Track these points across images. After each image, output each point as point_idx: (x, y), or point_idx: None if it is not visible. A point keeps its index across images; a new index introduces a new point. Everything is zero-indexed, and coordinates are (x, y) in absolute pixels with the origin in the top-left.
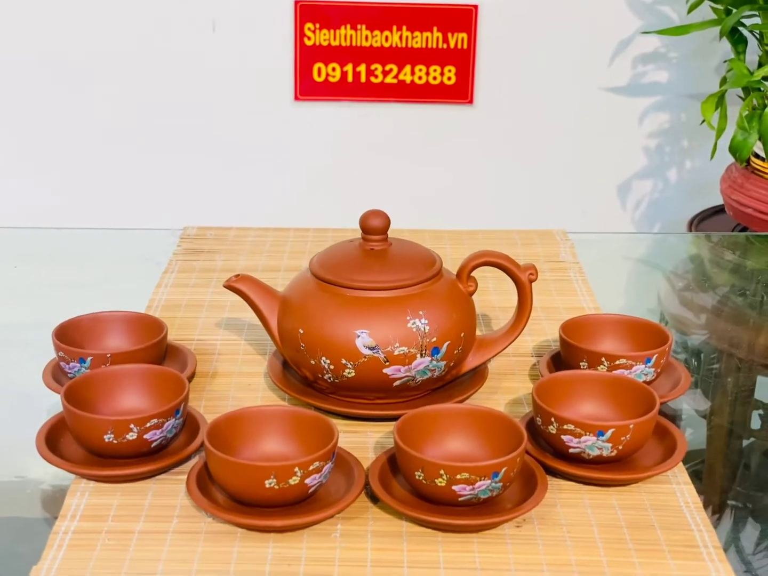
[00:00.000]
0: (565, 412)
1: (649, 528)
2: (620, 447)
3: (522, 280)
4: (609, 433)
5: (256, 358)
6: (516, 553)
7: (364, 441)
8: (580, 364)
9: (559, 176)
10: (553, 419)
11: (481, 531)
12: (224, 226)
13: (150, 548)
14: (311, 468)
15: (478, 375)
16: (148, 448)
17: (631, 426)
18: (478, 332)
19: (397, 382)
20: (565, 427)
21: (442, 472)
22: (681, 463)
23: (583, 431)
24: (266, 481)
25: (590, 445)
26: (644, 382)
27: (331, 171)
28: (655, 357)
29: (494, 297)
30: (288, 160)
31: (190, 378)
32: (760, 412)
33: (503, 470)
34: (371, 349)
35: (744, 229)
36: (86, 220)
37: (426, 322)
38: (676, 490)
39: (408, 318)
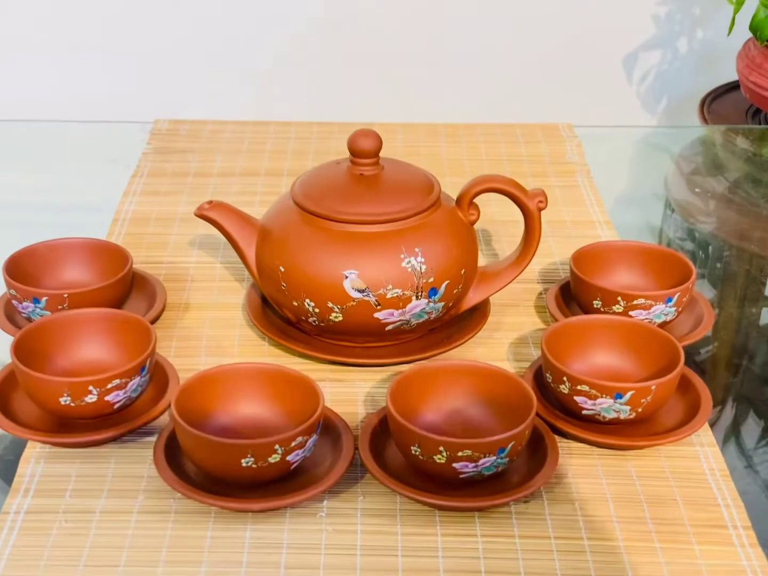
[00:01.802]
0: (578, 364)
1: (671, 503)
2: (639, 410)
3: (530, 208)
4: (628, 395)
5: (234, 286)
6: (523, 537)
7: (352, 392)
8: (593, 302)
9: (560, 48)
10: (565, 378)
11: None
12: (199, 119)
13: (112, 532)
14: (293, 444)
15: (479, 312)
16: (111, 410)
17: (653, 387)
18: (480, 263)
19: (389, 327)
20: (578, 387)
21: (441, 448)
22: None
23: (599, 393)
24: (243, 460)
25: (606, 407)
26: (664, 322)
27: (313, 54)
28: (677, 296)
29: (498, 222)
30: (267, 43)
31: (161, 312)
32: None
33: (510, 445)
34: (361, 291)
35: (758, 112)
36: (43, 111)
37: (422, 260)
38: (699, 453)
39: (402, 256)
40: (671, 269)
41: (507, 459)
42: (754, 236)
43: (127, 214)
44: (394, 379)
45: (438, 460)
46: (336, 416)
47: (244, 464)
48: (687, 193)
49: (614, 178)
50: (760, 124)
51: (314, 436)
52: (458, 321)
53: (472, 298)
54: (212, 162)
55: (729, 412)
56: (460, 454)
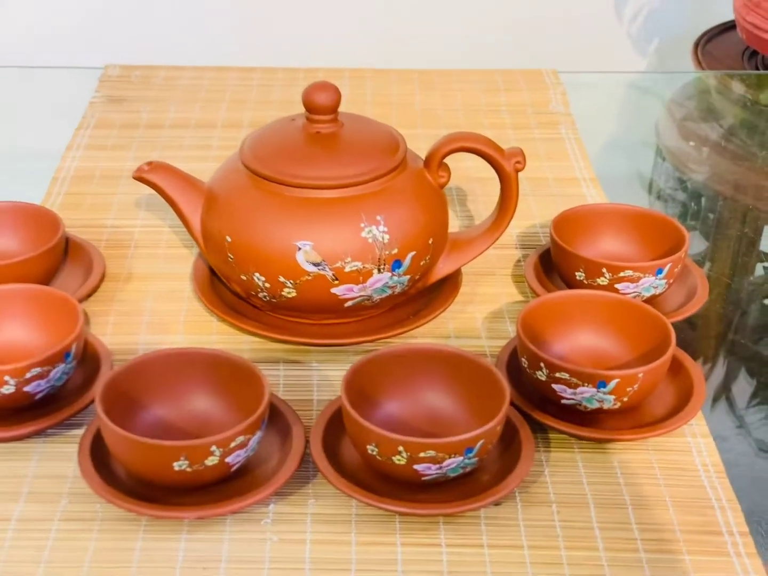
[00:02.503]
0: (558, 346)
1: (659, 505)
2: (625, 399)
3: (506, 170)
4: (612, 384)
5: (184, 253)
6: (493, 547)
7: (308, 375)
8: (576, 274)
9: None
10: (542, 365)
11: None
12: (153, 65)
13: (28, 543)
14: (233, 445)
15: (449, 283)
16: (31, 401)
17: (641, 375)
18: (451, 229)
19: (349, 303)
20: (557, 375)
21: (401, 449)
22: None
23: (580, 381)
24: (175, 463)
25: (588, 397)
26: (653, 296)
27: None
28: (668, 267)
29: (475, 180)
30: None
31: (98, 284)
32: (765, 264)
33: (479, 444)
34: (316, 265)
35: (755, 54)
36: None
37: (385, 229)
38: (692, 445)
39: (362, 225)
40: (662, 236)
41: (475, 459)
42: (748, 186)
43: (69, 172)
44: (351, 368)
45: (397, 462)
46: (286, 407)
47: (176, 468)
48: (679, 141)
49: (602, 125)
50: (756, 68)
51: (258, 434)
52: (426, 294)
53: (441, 269)
54: (165, 113)
55: (719, 374)
56: (422, 455)
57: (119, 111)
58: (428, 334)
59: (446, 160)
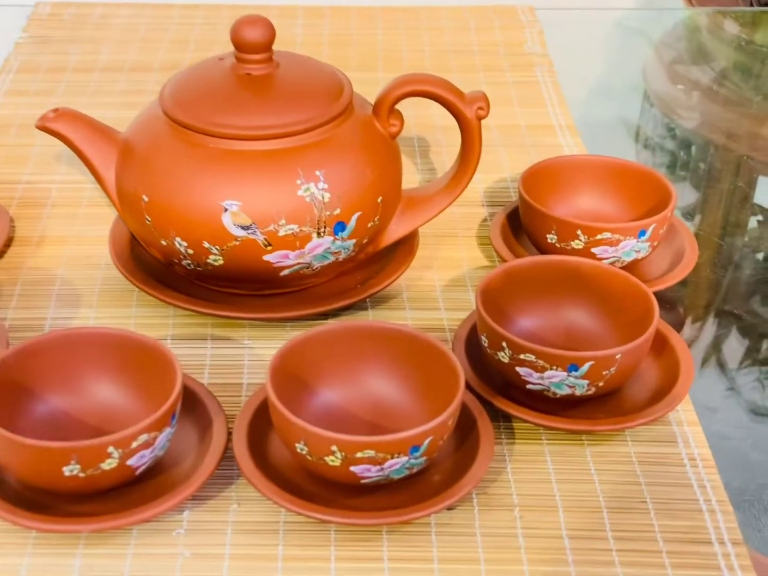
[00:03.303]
0: (524, 322)
1: (639, 508)
2: (600, 384)
3: (467, 116)
4: (585, 367)
5: (106, 213)
6: (444, 561)
7: (238, 355)
8: (547, 236)
9: None
10: (504, 344)
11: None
12: (87, 1)
13: None
14: (135, 444)
15: (404, 247)
16: None
17: (618, 356)
18: (412, 185)
19: (285, 272)
20: (522, 357)
21: (334, 448)
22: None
23: (548, 364)
24: (65, 468)
25: (557, 382)
26: (635, 260)
27: None
28: (651, 228)
29: (439, 129)
30: None
31: (3, 249)
32: (759, 218)
33: (427, 441)
34: (245, 228)
35: None
36: None
37: (325, 186)
38: (677, 435)
39: (299, 182)
40: (646, 192)
41: (423, 459)
42: (742, 134)
43: None
44: (278, 352)
45: (331, 463)
46: (207, 394)
47: (67, 473)
48: (668, 86)
49: (584, 68)
50: (751, 4)
51: (167, 430)
52: (377, 259)
53: (394, 232)
54: (96, 56)
55: (706, 340)
56: (359, 455)
57: (47, 53)
58: (379, 305)
59: (403, 107)
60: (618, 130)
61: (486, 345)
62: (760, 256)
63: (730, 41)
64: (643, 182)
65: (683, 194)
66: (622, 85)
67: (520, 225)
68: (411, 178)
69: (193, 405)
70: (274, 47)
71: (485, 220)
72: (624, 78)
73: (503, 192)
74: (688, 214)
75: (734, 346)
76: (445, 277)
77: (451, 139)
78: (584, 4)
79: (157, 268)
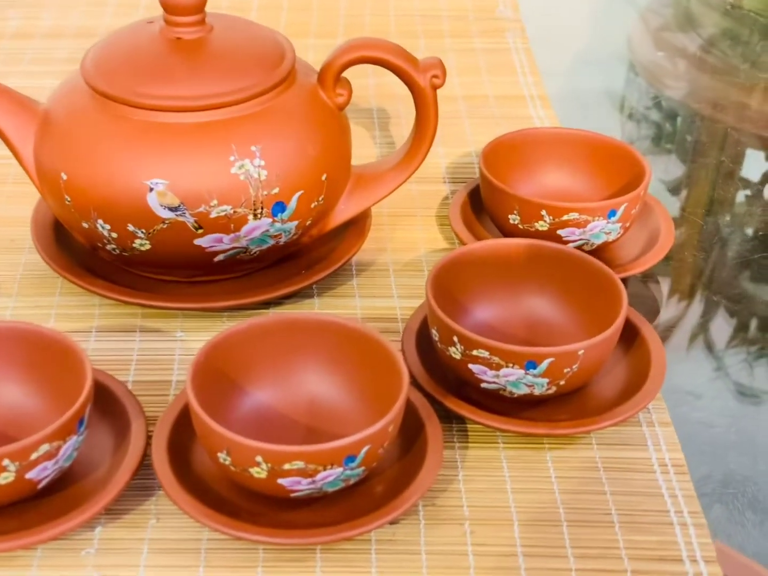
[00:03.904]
0: (479, 313)
1: (603, 522)
2: (561, 382)
3: (420, 85)
4: (544, 364)
5: (32, 190)
6: None
7: (168, 349)
8: (509, 217)
9: None
10: (456, 338)
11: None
12: None
13: None
14: (35, 456)
15: (354, 228)
16: None
17: (581, 352)
18: (368, 160)
19: (219, 257)
20: (475, 353)
21: (259, 458)
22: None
23: (504, 361)
24: None
25: (514, 381)
26: (605, 243)
27: None
28: (622, 208)
29: (399, 98)
30: None
31: None
32: (747, 192)
33: (364, 450)
34: (173, 210)
35: None
36: None
37: (262, 163)
38: (647, 437)
39: (232, 158)
40: (618, 168)
41: (361, 469)
42: (729, 104)
43: None
44: (201, 349)
45: (257, 475)
46: (126, 394)
47: None
48: (653, 53)
49: (563, 35)
50: None
51: (74, 438)
52: (325, 242)
53: (342, 212)
54: (38, 20)
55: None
56: (287, 466)
57: None
58: (326, 292)
59: (360, 74)
60: (600, 101)
61: (437, 339)
62: (748, 233)
63: (717, 6)
64: (616, 157)
65: (670, 167)
66: (606, 54)
67: (482, 210)
68: (368, 152)
69: (109, 407)
70: (226, 11)
71: (446, 198)
72: (607, 46)
73: (467, 168)
74: (674, 190)
75: (718, 329)
76: (399, 260)
77: (413, 109)
78: None
79: (84, 252)
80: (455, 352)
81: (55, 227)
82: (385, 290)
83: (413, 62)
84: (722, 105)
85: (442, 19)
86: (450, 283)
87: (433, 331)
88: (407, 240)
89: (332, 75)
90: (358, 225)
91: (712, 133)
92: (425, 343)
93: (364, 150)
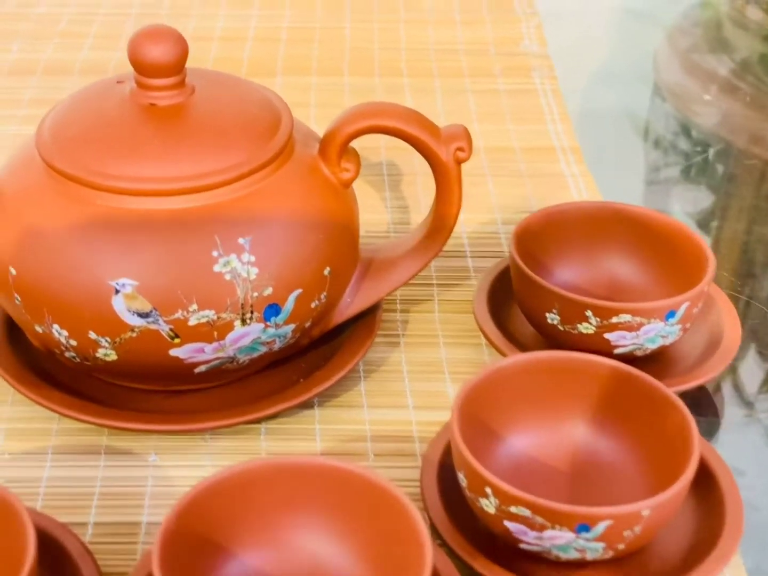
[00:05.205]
0: (515, 448)
1: None
2: (621, 546)
3: (441, 159)
4: (601, 527)
5: None
6: None
7: (138, 477)
8: (546, 315)
9: None
10: (489, 490)
11: None
12: None
13: None
14: None
15: (363, 322)
16: None
17: (645, 513)
18: (379, 227)
19: (200, 368)
20: (513, 509)
21: None
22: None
23: (549, 521)
24: None
25: (563, 545)
26: (661, 346)
27: None
28: (684, 308)
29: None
30: None
31: None
32: None
33: None
34: (143, 316)
35: None
36: None
37: (252, 259)
38: None
39: (216, 253)
40: (674, 252)
41: None
42: (766, 135)
43: None
44: (174, 506)
45: None
46: (82, 554)
47: None
48: (682, 76)
49: (582, 52)
50: None
51: None
52: (327, 339)
53: (347, 307)
54: (6, 53)
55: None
56: None
57: None
58: (329, 401)
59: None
60: (622, 125)
61: (465, 486)
62: None
63: (754, 29)
64: (670, 239)
65: (699, 202)
66: (628, 74)
67: (510, 300)
68: (378, 218)
69: (60, 570)
70: (218, 41)
71: (468, 276)
72: (630, 66)
73: (491, 238)
74: (704, 227)
75: None
76: (414, 358)
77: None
78: None
79: (41, 352)
80: (488, 505)
81: (5, 320)
82: (398, 398)
83: (434, 132)
84: (758, 135)
85: (460, 53)
86: (480, 409)
87: (461, 476)
88: (423, 331)
89: (337, 147)
90: (366, 317)
91: (747, 166)
92: (449, 477)
93: (372, 215)
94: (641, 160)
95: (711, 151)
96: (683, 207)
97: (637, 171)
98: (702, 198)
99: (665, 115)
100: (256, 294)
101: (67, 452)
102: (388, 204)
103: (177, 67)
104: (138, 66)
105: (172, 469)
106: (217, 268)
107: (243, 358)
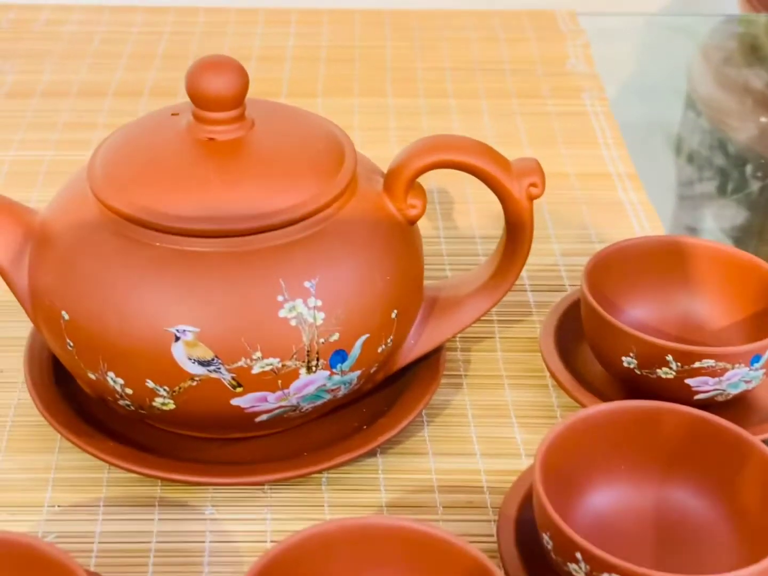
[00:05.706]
0: (598, 499)
1: None
2: None
3: (514, 196)
4: None
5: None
6: None
7: (196, 532)
8: (623, 359)
9: None
10: (579, 555)
11: None
12: (34, 4)
13: None
14: None
15: (424, 371)
16: None
17: None
18: (427, 283)
19: (261, 417)
20: None
21: None
22: None
23: None
24: None
25: None
26: (743, 391)
27: None
28: None
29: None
30: None
31: None
32: None
33: None
34: (205, 364)
35: None
36: None
37: (318, 303)
38: None
39: (281, 298)
40: (747, 288)
41: None
42: None
43: None
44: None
45: None
46: None
47: None
48: (716, 90)
49: (619, 68)
50: None
51: None
52: (388, 382)
53: (411, 350)
54: (38, 74)
55: None
56: None
57: None
58: (392, 448)
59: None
60: (654, 139)
61: (549, 548)
62: None
63: None
64: (745, 275)
65: (737, 219)
66: (662, 87)
67: (580, 337)
68: (431, 249)
69: None
70: (255, 62)
71: (529, 312)
72: (664, 79)
73: (551, 270)
74: (741, 245)
75: None
76: (478, 401)
77: (481, 193)
78: (630, 8)
79: (91, 398)
80: (577, 570)
81: (55, 363)
82: (465, 444)
83: (506, 167)
84: None
85: (506, 73)
86: (562, 462)
87: (545, 537)
88: (486, 371)
89: (404, 183)
90: (428, 358)
91: None
92: (527, 533)
93: (426, 247)
94: (673, 174)
95: (748, 167)
96: (719, 224)
97: (669, 186)
98: (737, 215)
99: (699, 130)
100: (322, 340)
101: (119, 504)
102: (441, 234)
103: (237, 99)
104: (197, 99)
105: (230, 523)
106: (282, 313)
107: (306, 407)
